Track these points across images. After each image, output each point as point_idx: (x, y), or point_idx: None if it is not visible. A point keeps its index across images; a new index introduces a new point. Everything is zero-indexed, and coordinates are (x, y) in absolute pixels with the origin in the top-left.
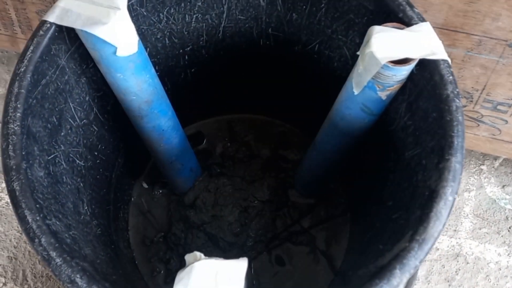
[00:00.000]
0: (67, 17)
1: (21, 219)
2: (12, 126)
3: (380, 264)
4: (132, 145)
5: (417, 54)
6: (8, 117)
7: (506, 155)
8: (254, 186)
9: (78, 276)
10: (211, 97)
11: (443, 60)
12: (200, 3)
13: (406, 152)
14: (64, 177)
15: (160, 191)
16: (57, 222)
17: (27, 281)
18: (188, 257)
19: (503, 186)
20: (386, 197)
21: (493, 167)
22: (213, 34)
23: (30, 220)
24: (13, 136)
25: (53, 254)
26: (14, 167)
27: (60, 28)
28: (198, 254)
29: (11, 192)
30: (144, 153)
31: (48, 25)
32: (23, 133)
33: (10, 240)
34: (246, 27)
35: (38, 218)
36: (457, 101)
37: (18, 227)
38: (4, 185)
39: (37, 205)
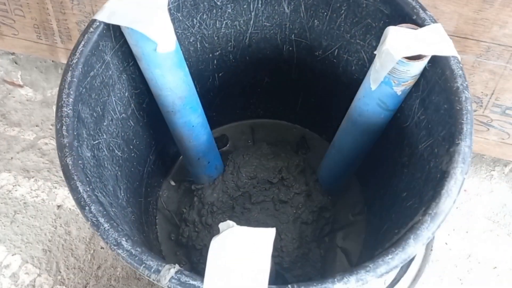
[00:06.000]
0: (114, 16)
1: (73, 189)
2: (65, 109)
3: (395, 239)
4: (163, 144)
5: (429, 51)
6: (62, 101)
7: None
8: (276, 186)
9: (124, 239)
10: (236, 101)
11: (453, 56)
12: (230, 10)
13: (420, 145)
14: (105, 162)
15: (186, 190)
16: (102, 197)
17: (60, 272)
18: (222, 225)
19: None
20: (401, 189)
21: (503, 172)
22: (241, 39)
23: (81, 190)
24: (66, 118)
25: (102, 220)
26: (67, 144)
27: (108, 27)
28: (231, 222)
29: (64, 167)
30: (173, 153)
31: (98, 23)
32: (75, 117)
33: (45, 234)
34: (271, 33)
35: (88, 189)
36: (466, 92)
37: (53, 221)
38: (40, 183)
39: (87, 178)
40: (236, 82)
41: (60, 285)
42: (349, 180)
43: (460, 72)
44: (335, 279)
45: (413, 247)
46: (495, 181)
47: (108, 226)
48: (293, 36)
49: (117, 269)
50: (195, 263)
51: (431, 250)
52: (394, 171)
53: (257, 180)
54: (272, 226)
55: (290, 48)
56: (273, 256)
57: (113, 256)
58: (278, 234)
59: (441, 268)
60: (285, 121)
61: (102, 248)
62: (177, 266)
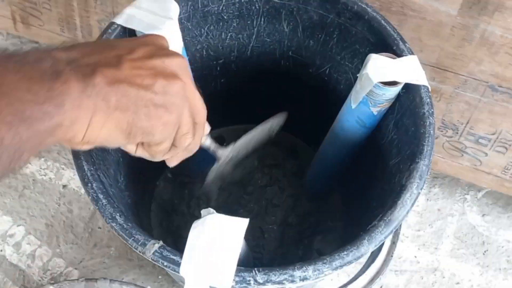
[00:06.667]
0: (131, 21)
1: (79, 167)
2: None
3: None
4: None
5: (403, 78)
6: None
7: (485, 185)
8: (265, 187)
9: (118, 214)
10: (235, 106)
11: (423, 85)
12: (235, 24)
13: (390, 161)
14: (110, 149)
15: (181, 183)
16: (104, 177)
17: (59, 246)
18: (203, 211)
19: (483, 215)
20: (371, 199)
21: (476, 197)
22: (243, 51)
23: (86, 168)
24: None
25: (101, 196)
26: None
27: (124, 30)
28: (211, 209)
29: None
30: None
31: (116, 25)
32: None
33: (49, 210)
34: (270, 48)
35: (92, 168)
36: (431, 118)
37: (57, 199)
38: (49, 163)
39: (92, 159)
40: (236, 89)
41: (58, 257)
42: (331, 188)
43: (428, 100)
44: (295, 267)
45: (366, 247)
46: (468, 204)
47: (106, 202)
48: (290, 52)
49: (111, 249)
50: (181, 250)
51: (391, 256)
52: (369, 184)
53: (247, 180)
54: (258, 226)
55: (287, 63)
56: (255, 252)
57: (108, 237)
58: (262, 233)
59: (408, 278)
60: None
61: (99, 228)
62: (161, 242)
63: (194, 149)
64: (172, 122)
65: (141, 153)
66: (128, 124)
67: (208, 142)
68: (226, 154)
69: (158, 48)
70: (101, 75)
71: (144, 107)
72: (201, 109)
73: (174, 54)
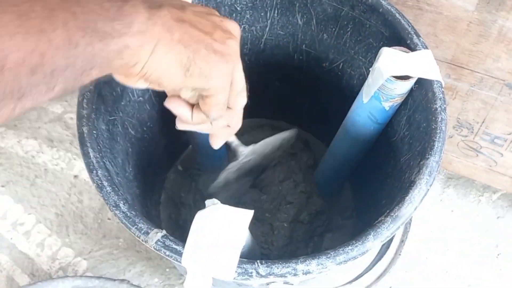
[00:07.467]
0: None
1: (85, 154)
2: (88, 85)
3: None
4: (174, 131)
5: (416, 73)
6: None
7: (500, 186)
8: (279, 183)
9: (122, 202)
10: (247, 100)
11: (436, 80)
12: (248, 16)
13: (401, 158)
14: (118, 137)
15: (191, 175)
16: (110, 165)
17: (69, 236)
18: (207, 202)
19: (498, 217)
20: (382, 197)
21: (491, 199)
22: (256, 44)
23: (91, 155)
24: (88, 93)
25: (105, 183)
26: (85, 115)
27: None
28: (215, 200)
29: (80, 134)
30: (184, 141)
31: None
32: (96, 92)
33: (60, 200)
34: (284, 41)
35: (98, 156)
36: (443, 114)
37: (68, 189)
38: (61, 153)
39: (98, 147)
40: (249, 82)
41: (67, 247)
42: (342, 185)
43: (441, 95)
44: (299, 261)
45: (371, 243)
46: (482, 206)
47: (110, 189)
48: (304, 46)
49: (120, 240)
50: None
51: (399, 254)
52: (380, 180)
53: (258, 175)
54: (270, 223)
55: (301, 57)
56: (263, 248)
57: (117, 228)
58: (271, 229)
59: (419, 279)
60: (291, 124)
61: (109, 219)
62: (164, 231)
63: (239, 124)
64: (228, 72)
65: (197, 116)
66: (188, 59)
67: (232, 137)
68: (246, 152)
69: (215, 13)
70: (167, 10)
71: (204, 48)
72: (243, 79)
73: (230, 18)
